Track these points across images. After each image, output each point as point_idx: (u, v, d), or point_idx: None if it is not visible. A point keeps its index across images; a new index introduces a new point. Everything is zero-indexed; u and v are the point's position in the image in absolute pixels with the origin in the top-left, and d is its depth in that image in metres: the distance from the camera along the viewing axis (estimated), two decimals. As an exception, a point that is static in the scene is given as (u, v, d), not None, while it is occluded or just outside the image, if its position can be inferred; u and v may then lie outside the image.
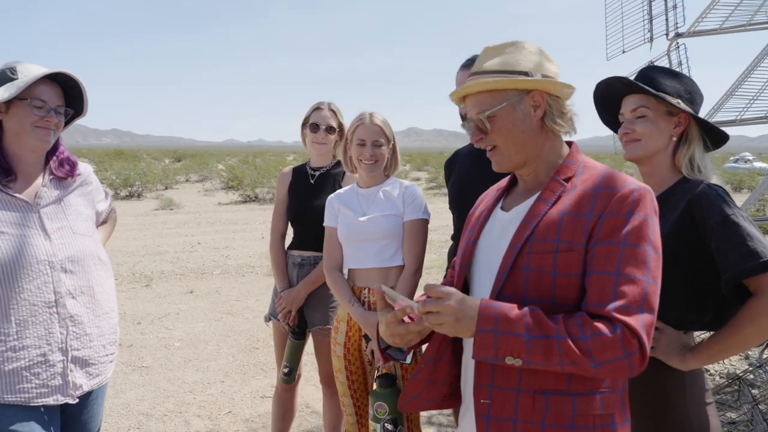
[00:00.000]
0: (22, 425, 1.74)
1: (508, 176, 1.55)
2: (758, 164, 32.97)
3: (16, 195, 1.79)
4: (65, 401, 1.83)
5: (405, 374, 2.23)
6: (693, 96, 1.70)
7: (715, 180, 1.62)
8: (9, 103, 1.77)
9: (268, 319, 2.90)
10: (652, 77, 1.70)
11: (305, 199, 2.77)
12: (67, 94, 1.91)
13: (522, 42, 1.38)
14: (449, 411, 3.59)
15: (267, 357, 4.92)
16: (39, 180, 1.88)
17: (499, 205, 1.47)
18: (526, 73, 1.33)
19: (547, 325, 1.16)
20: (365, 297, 2.32)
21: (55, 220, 1.86)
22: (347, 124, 2.72)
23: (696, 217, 1.52)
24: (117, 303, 2.06)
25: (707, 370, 4.30)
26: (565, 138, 1.44)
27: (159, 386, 4.32)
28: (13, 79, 1.78)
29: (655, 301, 1.19)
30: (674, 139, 1.67)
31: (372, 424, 2.10)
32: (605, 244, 1.21)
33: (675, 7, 4.37)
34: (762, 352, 3.79)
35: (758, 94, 4.01)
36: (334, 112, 2.78)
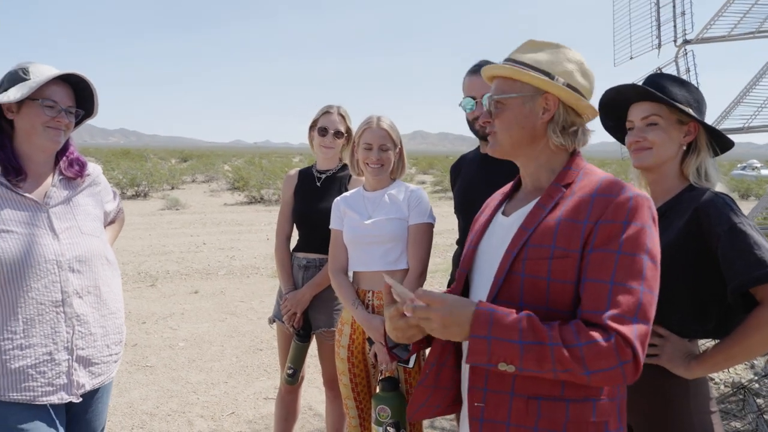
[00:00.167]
0: (27, 423, 1.75)
1: (512, 181, 1.55)
2: (766, 172, 32.82)
3: (26, 194, 1.81)
4: (70, 400, 1.84)
5: (408, 378, 2.23)
6: (700, 105, 1.70)
7: (720, 187, 1.62)
8: (21, 103, 1.79)
9: (272, 320, 2.91)
10: (662, 85, 1.69)
11: (311, 201, 2.78)
12: (78, 95, 1.93)
13: (564, 47, 1.39)
14: (452, 416, 3.59)
15: (271, 358, 4.93)
16: (49, 180, 1.90)
17: (501, 209, 1.48)
18: (549, 75, 1.34)
19: (541, 331, 1.15)
20: (369, 300, 2.33)
21: (63, 219, 1.87)
22: (355, 128, 2.74)
23: (703, 225, 1.52)
24: (123, 302, 2.08)
25: (712, 379, 4.28)
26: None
27: (163, 386, 4.34)
28: (25, 80, 1.80)
29: (651, 311, 1.18)
30: (683, 147, 1.67)
31: (374, 428, 2.11)
32: (601, 252, 1.20)
33: (683, 13, 4.36)
34: (768, 361, 3.77)
35: (766, 102, 4.00)
36: (342, 116, 2.79)
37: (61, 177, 1.93)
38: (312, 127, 2.83)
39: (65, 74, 1.84)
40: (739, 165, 39.34)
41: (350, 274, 2.47)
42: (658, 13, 4.53)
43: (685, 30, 4.34)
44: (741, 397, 3.66)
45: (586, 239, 1.23)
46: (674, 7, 4.42)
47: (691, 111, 1.65)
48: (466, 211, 2.26)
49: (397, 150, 2.41)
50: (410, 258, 2.32)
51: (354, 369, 2.38)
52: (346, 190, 2.67)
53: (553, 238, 1.26)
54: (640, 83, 1.77)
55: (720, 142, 1.69)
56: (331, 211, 2.51)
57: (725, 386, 4.14)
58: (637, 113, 1.70)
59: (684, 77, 4.30)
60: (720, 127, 4.19)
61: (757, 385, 3.79)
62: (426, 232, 2.35)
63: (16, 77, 1.81)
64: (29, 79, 1.80)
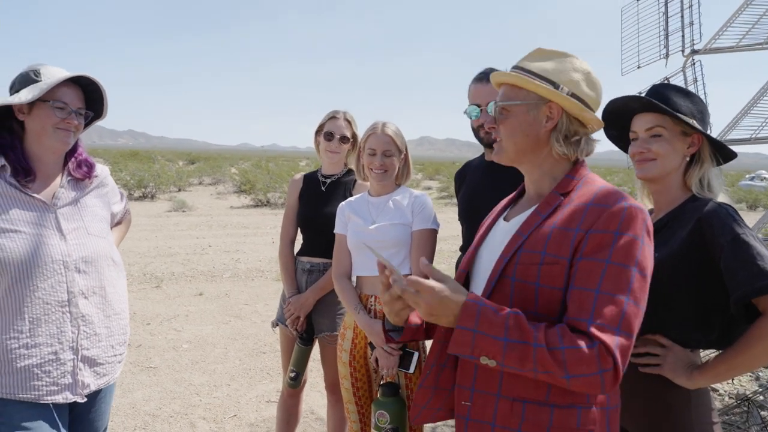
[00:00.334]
0: (31, 422, 1.76)
1: (519, 187, 1.56)
2: (774, 182, 32.61)
3: (34, 195, 1.82)
4: (74, 399, 1.85)
5: (408, 383, 2.23)
6: (704, 116, 1.70)
7: (722, 198, 1.62)
8: (32, 104, 1.81)
9: (275, 324, 2.92)
10: (666, 96, 1.69)
11: (316, 206, 2.80)
12: (87, 97, 1.95)
13: (572, 56, 1.40)
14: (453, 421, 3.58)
15: (273, 361, 4.93)
16: (57, 181, 1.91)
17: (504, 215, 1.50)
18: (554, 84, 1.35)
19: (527, 331, 1.17)
20: (372, 305, 2.33)
21: (71, 220, 1.89)
22: (361, 134, 2.76)
23: (706, 235, 1.52)
24: (128, 303, 2.09)
25: (716, 390, 4.25)
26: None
27: (166, 387, 4.35)
28: (36, 81, 1.82)
29: (635, 323, 1.18)
30: (687, 158, 1.68)
31: (374, 432, 2.11)
32: (589, 261, 1.21)
33: (692, 23, 4.36)
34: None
35: (774, 113, 3.99)
36: (349, 122, 2.80)
37: (69, 178, 1.94)
38: (318, 132, 2.85)
39: (76, 76, 1.86)
40: (747, 176, 39.16)
41: (354, 278, 2.48)
42: (666, 23, 4.53)
43: (693, 40, 4.34)
44: (745, 409, 3.64)
45: (576, 247, 1.24)
46: (682, 17, 4.42)
47: (695, 122, 1.65)
48: (471, 218, 2.27)
49: (402, 156, 2.42)
50: (413, 263, 2.33)
51: (356, 373, 2.39)
52: (351, 195, 2.68)
53: (544, 245, 1.27)
54: (645, 93, 1.77)
55: (723, 152, 1.69)
56: (335, 216, 2.52)
57: (729, 398, 4.11)
58: (640, 124, 1.70)
59: (691, 87, 4.30)
60: (727, 137, 4.18)
61: (761, 397, 3.76)
62: (429, 238, 2.35)
63: (28, 79, 1.83)
64: (40, 80, 1.82)
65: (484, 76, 2.23)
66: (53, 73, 1.85)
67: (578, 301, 1.19)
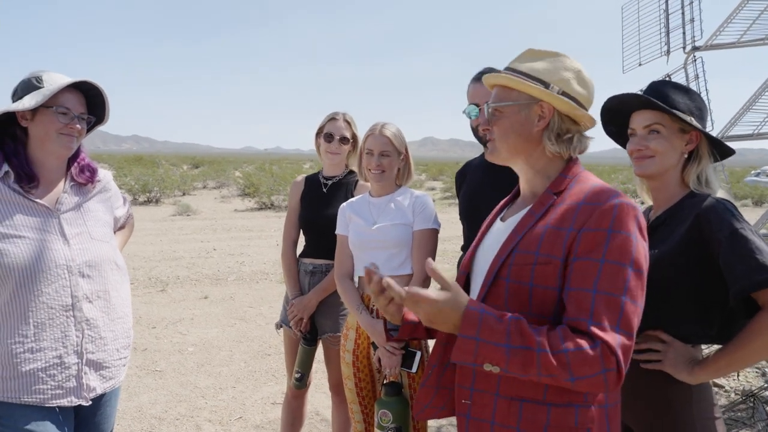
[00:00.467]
0: (37, 425, 1.77)
1: (515, 187, 1.57)
2: (780, 178, 32.44)
3: (37, 200, 1.84)
4: (79, 403, 1.86)
5: (411, 383, 2.24)
6: (702, 112, 1.70)
7: (721, 194, 1.63)
8: (35, 110, 1.82)
9: (279, 326, 2.94)
10: (665, 93, 1.69)
11: (317, 207, 2.81)
12: (90, 102, 1.96)
13: (563, 55, 1.40)
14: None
15: (279, 363, 4.95)
16: (60, 186, 1.93)
17: (501, 215, 1.51)
18: (545, 83, 1.36)
19: (529, 336, 1.17)
20: (374, 305, 2.34)
21: (74, 225, 1.90)
22: (361, 134, 2.77)
23: (704, 230, 1.53)
24: (133, 307, 2.10)
25: (722, 387, 4.24)
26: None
27: (172, 390, 4.37)
28: (38, 88, 1.83)
29: (634, 321, 1.18)
30: (685, 155, 1.68)
31: (377, 432, 2.12)
32: (584, 261, 1.21)
33: (692, 20, 4.35)
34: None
35: (775, 108, 3.98)
36: (348, 122, 2.82)
37: (72, 183, 1.96)
38: (318, 134, 2.86)
39: (78, 82, 1.87)
40: (752, 172, 38.96)
41: (356, 279, 2.49)
42: (667, 20, 4.52)
43: (693, 37, 4.33)
44: (751, 404, 3.63)
45: (570, 247, 1.24)
46: (683, 13, 4.41)
47: (693, 120, 1.65)
48: (471, 217, 2.27)
49: (402, 157, 2.43)
50: (414, 264, 2.34)
51: (359, 374, 2.40)
52: (353, 196, 2.69)
53: (538, 245, 1.28)
54: (644, 90, 1.77)
55: (720, 149, 1.69)
56: (337, 217, 2.53)
57: (736, 394, 4.10)
58: (639, 121, 1.70)
59: (693, 84, 4.29)
60: (730, 133, 4.17)
61: (767, 393, 3.75)
62: (430, 237, 2.36)
63: (30, 86, 1.85)
64: (43, 87, 1.83)
65: (482, 76, 2.24)
66: (55, 79, 1.87)
67: (576, 302, 1.20)
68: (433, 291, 1.23)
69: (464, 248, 2.46)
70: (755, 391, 3.66)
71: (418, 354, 2.19)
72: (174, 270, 8.77)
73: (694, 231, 1.54)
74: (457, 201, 2.51)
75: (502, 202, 1.59)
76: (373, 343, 2.32)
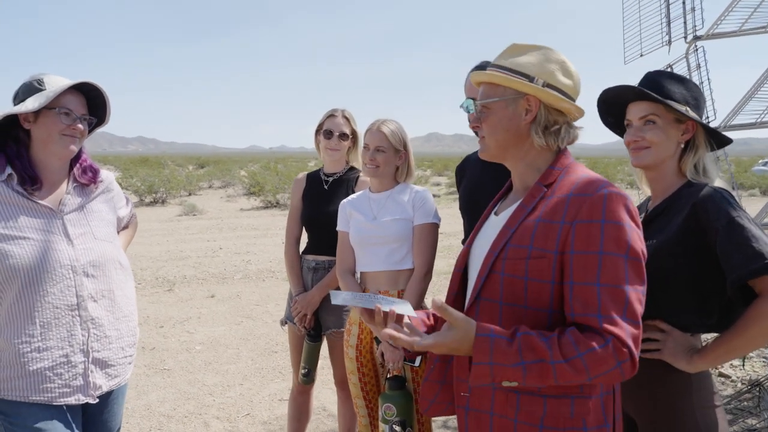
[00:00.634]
0: (45, 423, 1.80)
1: (508, 181, 1.58)
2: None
3: (41, 202, 1.86)
4: (86, 401, 1.89)
5: (415, 377, 2.26)
6: (698, 101, 1.70)
7: (719, 183, 1.63)
8: (37, 112, 1.84)
9: (284, 322, 2.96)
10: (660, 83, 1.69)
11: (319, 204, 2.82)
12: (91, 103, 1.98)
13: (546, 48, 1.41)
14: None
15: (285, 360, 4.98)
16: (63, 187, 1.94)
17: (495, 209, 1.52)
18: (529, 77, 1.36)
19: (542, 350, 1.17)
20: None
21: (77, 226, 1.92)
22: (360, 130, 2.79)
23: (701, 219, 1.53)
24: (140, 307, 2.12)
25: (728, 377, 4.23)
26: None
27: (180, 388, 4.41)
28: (40, 90, 1.85)
29: (638, 308, 1.20)
30: (681, 145, 1.68)
31: (381, 426, 2.14)
32: (583, 254, 1.22)
33: (693, 9, 4.33)
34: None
35: (778, 97, 3.96)
36: (347, 119, 2.83)
37: (75, 184, 1.97)
38: (318, 131, 2.87)
39: (79, 83, 1.89)
40: (760, 161, 38.68)
41: (357, 274, 2.50)
42: (668, 9, 4.50)
43: (695, 26, 4.31)
44: (756, 393, 3.62)
45: (564, 240, 1.25)
46: (684, 3, 4.39)
47: (688, 110, 1.65)
48: (471, 211, 2.28)
49: (400, 154, 2.45)
50: (415, 258, 2.35)
51: (363, 368, 2.42)
52: (354, 192, 2.71)
53: (531, 239, 1.28)
54: (640, 80, 1.77)
55: (717, 138, 1.69)
56: (338, 214, 2.55)
57: (742, 383, 4.10)
58: (634, 112, 1.70)
59: (694, 73, 4.27)
60: (732, 122, 4.16)
61: (774, 382, 3.74)
62: (431, 232, 2.37)
63: (32, 88, 1.86)
64: (44, 89, 1.85)
65: (479, 68, 2.24)
66: (56, 82, 1.88)
67: (582, 298, 1.21)
68: (439, 334, 1.23)
69: (464, 242, 2.48)
70: (761, 381, 3.65)
71: (421, 348, 2.20)
72: (181, 269, 8.82)
73: (691, 220, 1.55)
74: (462, 196, 2.52)
75: (496, 196, 1.60)
76: (376, 338, 2.33)
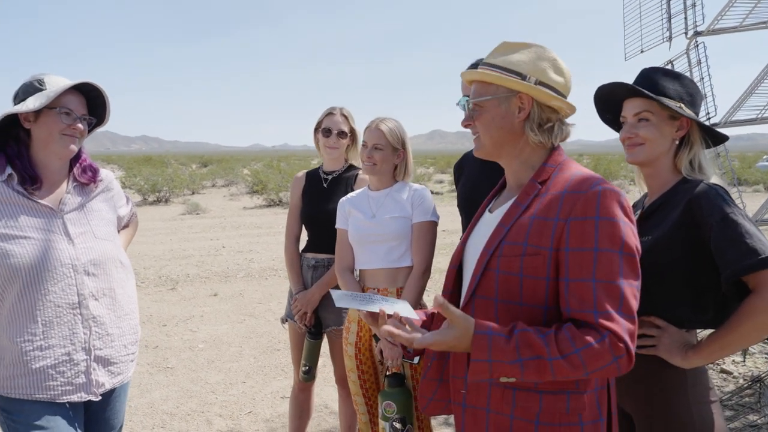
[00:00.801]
0: (48, 420, 1.82)
1: (501, 179, 1.59)
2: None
3: (41, 202, 1.87)
4: (89, 398, 1.91)
5: (414, 374, 2.27)
6: (694, 98, 1.70)
7: (715, 180, 1.63)
8: (38, 112, 1.85)
9: (284, 320, 2.97)
10: (655, 80, 1.70)
11: (318, 202, 2.83)
12: (90, 104, 1.99)
13: (538, 46, 1.41)
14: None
15: (288, 358, 4.99)
16: (63, 186, 1.96)
17: (489, 206, 1.52)
18: (521, 75, 1.37)
19: (539, 347, 1.18)
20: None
21: (78, 225, 1.94)
22: (359, 128, 2.79)
23: (696, 216, 1.54)
24: (143, 306, 2.14)
25: (730, 373, 4.23)
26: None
27: (183, 386, 4.43)
28: (40, 90, 1.86)
29: (634, 303, 1.21)
30: (676, 142, 1.68)
31: (381, 423, 2.15)
32: (578, 251, 1.23)
33: (694, 5, 4.32)
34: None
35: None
36: (345, 117, 2.84)
37: (75, 183, 1.99)
38: (316, 129, 2.88)
39: (79, 83, 1.91)
40: (765, 157, 38.52)
41: (356, 272, 2.51)
42: (669, 5, 4.49)
43: (695, 22, 4.30)
44: (757, 389, 3.62)
45: (559, 237, 1.26)
46: (684, -1, 4.38)
47: (682, 106, 1.66)
48: (469, 209, 2.29)
49: (399, 153, 2.45)
50: (414, 256, 2.36)
51: (362, 366, 2.43)
52: (353, 190, 2.72)
53: (525, 236, 1.29)
54: (635, 77, 1.78)
55: (714, 134, 1.70)
56: (337, 211, 2.56)
57: (744, 380, 4.10)
58: (629, 109, 1.71)
59: (695, 69, 4.26)
60: (733, 118, 4.15)
61: (774, 379, 3.74)
62: (429, 230, 2.38)
63: (32, 88, 1.88)
64: (45, 89, 1.86)
65: (474, 67, 2.25)
66: (56, 82, 1.90)
67: (578, 294, 1.21)
68: (438, 332, 1.24)
69: (463, 239, 2.48)
70: (762, 377, 3.65)
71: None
72: (184, 268, 8.85)
73: (686, 216, 1.55)
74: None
75: (490, 193, 1.60)
76: (375, 336, 2.34)
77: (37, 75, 1.93)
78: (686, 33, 4.33)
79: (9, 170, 1.84)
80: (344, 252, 2.49)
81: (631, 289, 1.21)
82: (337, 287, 2.69)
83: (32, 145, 1.90)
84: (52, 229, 1.87)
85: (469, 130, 1.52)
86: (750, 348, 4.50)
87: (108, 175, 2.15)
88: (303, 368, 2.82)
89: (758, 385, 3.58)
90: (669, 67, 3.82)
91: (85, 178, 2.02)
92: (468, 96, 2.27)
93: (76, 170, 2.00)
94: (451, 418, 3.80)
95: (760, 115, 3.94)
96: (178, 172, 26.43)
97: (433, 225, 2.40)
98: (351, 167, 2.90)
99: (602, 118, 1.90)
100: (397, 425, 2.11)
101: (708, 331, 1.59)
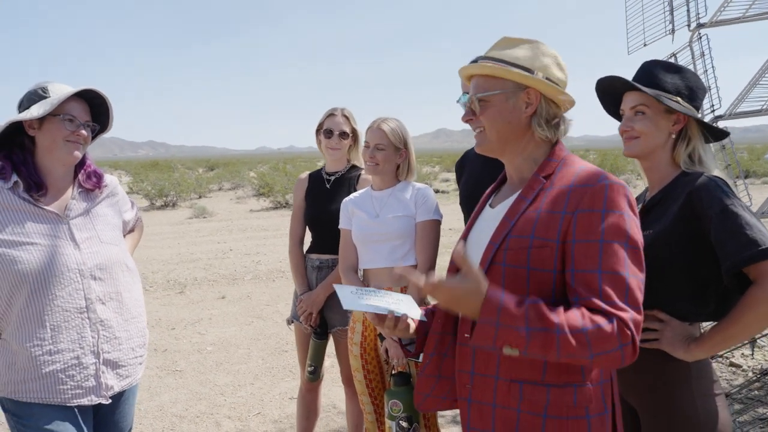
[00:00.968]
0: (58, 424, 1.84)
1: (500, 175, 1.59)
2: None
3: (47, 208, 1.89)
4: (98, 402, 1.93)
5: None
6: (694, 92, 1.70)
7: (716, 173, 1.63)
8: (42, 119, 1.87)
9: (290, 321, 2.99)
10: (654, 74, 1.70)
11: (322, 203, 2.85)
12: (94, 111, 2.01)
13: (539, 42, 1.42)
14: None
15: (295, 359, 5.00)
16: (68, 193, 1.98)
17: (489, 201, 1.52)
18: (528, 70, 1.37)
19: (548, 319, 1.17)
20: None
21: (83, 230, 1.96)
22: (361, 129, 2.80)
23: (696, 208, 1.54)
24: (152, 309, 2.16)
25: (740, 366, 4.21)
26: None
27: (192, 389, 4.46)
28: (44, 98, 1.88)
29: (639, 296, 1.21)
30: (673, 136, 1.68)
31: (387, 422, 2.15)
32: (584, 243, 1.24)
33: (697, -4, 4.29)
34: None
35: (783, 83, 3.92)
36: (347, 117, 2.84)
37: (80, 189, 2.01)
38: (318, 131, 2.89)
39: (82, 90, 1.93)
40: (773, 148, 38.14)
41: (360, 272, 2.52)
42: (671, -3, 4.46)
43: (698, 14, 4.27)
44: (766, 382, 3.60)
45: (566, 229, 1.26)
46: (687, -10, 4.35)
47: (680, 100, 1.65)
48: (471, 206, 2.29)
49: (401, 152, 2.46)
50: (418, 254, 2.37)
51: (367, 365, 2.44)
52: (356, 191, 2.72)
53: (532, 229, 1.29)
54: (636, 71, 1.78)
55: (714, 129, 1.69)
56: (340, 212, 2.57)
57: (753, 373, 4.07)
58: (627, 102, 1.72)
59: (698, 62, 4.24)
60: (738, 110, 4.12)
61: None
62: (433, 228, 2.39)
63: (36, 96, 1.90)
64: (49, 96, 1.89)
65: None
66: (60, 89, 1.92)
67: (585, 284, 1.22)
68: (451, 279, 1.23)
69: (466, 237, 2.49)
70: (770, 369, 3.63)
71: (425, 343, 2.22)
72: (192, 272, 8.89)
73: (687, 209, 1.55)
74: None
75: (489, 189, 1.61)
76: (380, 335, 2.35)
77: (41, 83, 1.95)
78: (689, 25, 4.30)
79: (15, 177, 1.86)
80: (348, 252, 2.50)
81: (637, 281, 1.21)
82: (341, 286, 2.69)
83: (37, 153, 1.93)
84: (58, 234, 1.89)
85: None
86: (759, 341, 4.47)
87: (112, 180, 2.17)
88: (308, 368, 2.84)
89: (767, 378, 3.55)
90: (672, 60, 3.81)
91: (90, 183, 2.04)
92: (467, 93, 2.28)
93: (80, 176, 2.02)
94: (459, 416, 3.80)
95: (764, 107, 3.91)
96: (184, 177, 26.54)
97: (436, 224, 2.41)
98: (353, 167, 2.90)
99: (607, 110, 1.91)
100: (404, 424, 2.11)
101: (711, 324, 1.59)
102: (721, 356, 4.30)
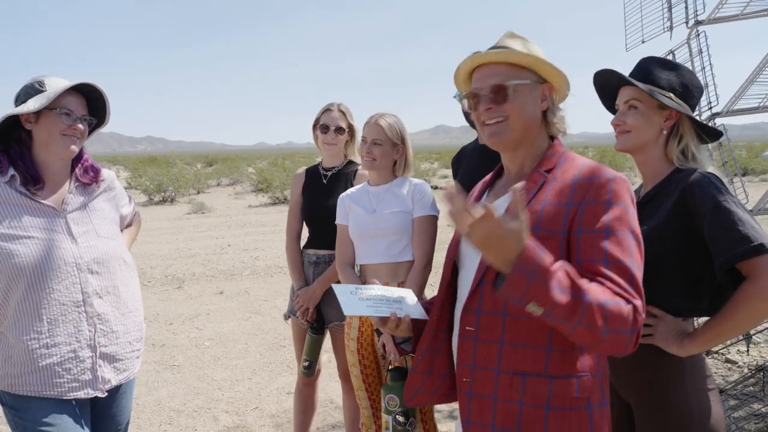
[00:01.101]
0: (55, 417, 1.85)
1: (493, 170, 1.59)
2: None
3: (44, 202, 1.90)
4: (95, 395, 1.93)
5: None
6: (688, 89, 1.70)
7: (710, 169, 1.63)
8: (39, 113, 1.87)
9: (287, 316, 3.00)
10: (648, 70, 1.71)
11: (319, 198, 2.85)
12: (91, 105, 2.01)
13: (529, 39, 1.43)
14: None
15: (293, 354, 5.02)
16: (65, 187, 1.98)
17: (484, 197, 1.52)
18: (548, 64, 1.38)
19: (579, 286, 1.14)
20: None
21: (80, 224, 1.96)
22: (357, 124, 2.80)
23: (689, 204, 1.54)
24: (150, 305, 2.16)
25: (735, 363, 4.23)
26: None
27: (189, 384, 4.47)
28: (41, 92, 1.88)
29: (641, 285, 1.22)
30: (665, 132, 1.69)
31: (384, 417, 2.16)
32: (590, 233, 1.25)
33: (695, -7, 4.29)
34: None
35: (781, 79, 3.92)
36: (343, 113, 2.85)
37: (77, 184, 2.01)
38: (315, 126, 2.89)
39: (79, 84, 1.93)
40: (771, 146, 38.17)
41: (357, 267, 2.53)
42: (670, -6, 4.46)
43: (696, 11, 4.27)
44: (761, 378, 3.62)
45: (572, 219, 1.27)
46: (685, -13, 4.35)
47: (671, 96, 1.66)
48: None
49: (398, 148, 2.46)
50: (415, 250, 2.37)
51: (364, 360, 2.45)
52: (352, 186, 2.73)
53: (537, 222, 1.30)
54: (633, 67, 1.79)
55: (702, 126, 1.70)
56: (337, 207, 2.57)
57: (749, 369, 4.09)
58: (621, 97, 1.73)
59: (696, 59, 4.24)
60: (735, 107, 4.12)
61: (779, 367, 3.73)
62: (430, 224, 2.39)
63: (33, 90, 1.90)
64: (45, 90, 1.89)
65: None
66: (57, 83, 1.92)
67: (592, 273, 1.22)
68: (506, 215, 1.14)
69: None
70: (766, 365, 3.65)
71: (421, 338, 2.23)
72: (190, 267, 8.89)
73: (680, 205, 1.56)
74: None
75: (482, 184, 1.60)
76: (377, 330, 2.36)
77: (38, 77, 1.95)
78: (687, 22, 4.30)
79: (12, 171, 1.86)
80: (345, 247, 2.51)
81: (640, 273, 1.23)
82: (338, 283, 2.70)
83: (34, 146, 1.93)
84: (55, 228, 1.90)
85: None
86: (754, 337, 4.49)
87: (110, 174, 2.17)
88: (304, 363, 2.85)
89: (762, 374, 3.58)
90: (670, 57, 3.81)
91: (87, 178, 2.04)
92: (463, 91, 2.28)
93: (78, 170, 2.03)
94: (457, 411, 3.82)
95: (762, 104, 3.91)
96: (183, 172, 26.49)
97: (433, 219, 2.41)
98: (350, 163, 2.91)
99: (604, 105, 1.92)
100: (400, 418, 2.12)
101: (704, 319, 1.60)
102: (716, 352, 4.32)
